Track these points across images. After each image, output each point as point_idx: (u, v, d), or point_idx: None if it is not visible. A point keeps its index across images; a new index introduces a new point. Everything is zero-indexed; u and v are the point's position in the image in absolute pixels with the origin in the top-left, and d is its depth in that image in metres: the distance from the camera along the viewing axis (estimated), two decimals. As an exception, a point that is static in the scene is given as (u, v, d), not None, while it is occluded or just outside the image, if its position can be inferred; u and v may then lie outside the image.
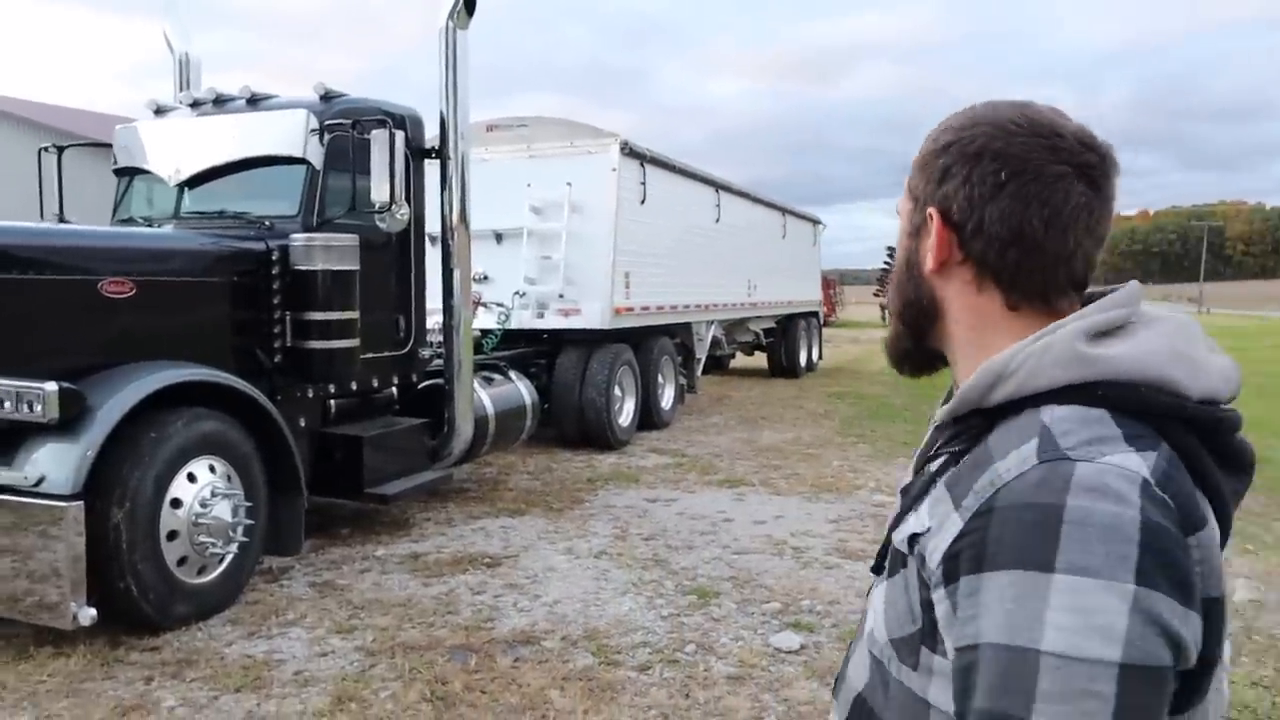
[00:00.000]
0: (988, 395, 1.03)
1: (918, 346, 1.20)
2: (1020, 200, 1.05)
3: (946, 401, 1.26)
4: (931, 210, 1.10)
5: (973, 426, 1.06)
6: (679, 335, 12.53)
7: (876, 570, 1.17)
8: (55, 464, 4.43)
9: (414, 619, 5.03)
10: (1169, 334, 1.03)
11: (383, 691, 4.16)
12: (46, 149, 7.20)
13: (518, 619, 5.06)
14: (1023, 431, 0.98)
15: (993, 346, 1.07)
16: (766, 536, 6.71)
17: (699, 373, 13.46)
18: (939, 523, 1.00)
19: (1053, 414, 0.98)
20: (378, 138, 5.91)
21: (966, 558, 0.94)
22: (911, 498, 1.10)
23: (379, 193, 5.92)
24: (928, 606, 1.01)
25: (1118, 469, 0.91)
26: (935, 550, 0.99)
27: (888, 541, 1.14)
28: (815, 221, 19.57)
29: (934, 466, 1.10)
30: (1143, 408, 0.97)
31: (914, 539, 1.04)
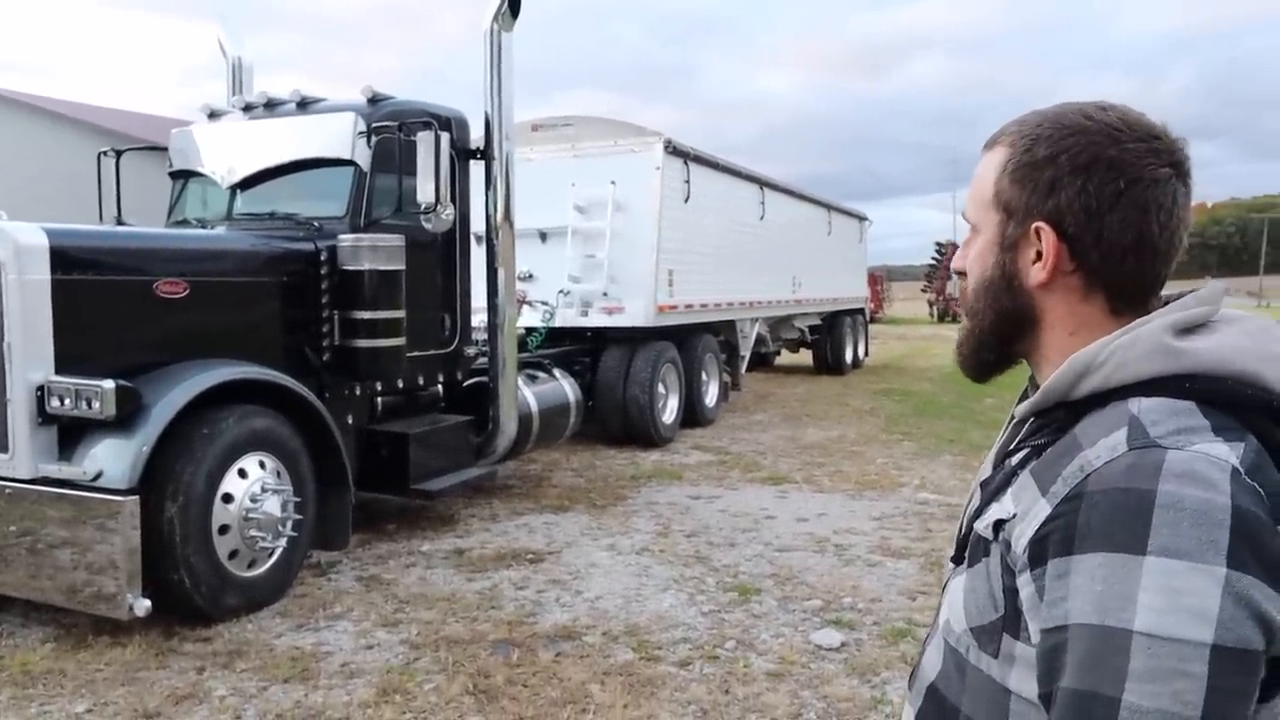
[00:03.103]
0: (1075, 387, 1.06)
1: (1002, 355, 1.21)
2: (1140, 208, 1.06)
3: (1022, 399, 1.30)
4: (1040, 225, 1.10)
5: (1056, 419, 1.09)
6: (723, 333, 12.53)
7: (956, 560, 1.19)
8: (112, 459, 4.57)
9: (458, 613, 5.11)
10: (1253, 332, 1.05)
11: (426, 684, 4.24)
12: (105, 153, 7.41)
13: (560, 614, 5.13)
14: (1110, 421, 1.01)
15: (1070, 349, 1.11)
16: (809, 534, 6.71)
17: (743, 370, 13.45)
18: (1025, 509, 1.03)
19: (1140, 405, 1.01)
20: (423, 139, 6.00)
21: (1055, 541, 0.97)
22: (993, 489, 1.13)
23: (425, 193, 6.01)
24: (1011, 593, 1.03)
25: (1208, 457, 0.94)
26: (1021, 536, 1.01)
27: (968, 532, 1.16)
28: (861, 218, 19.45)
29: (1015, 460, 1.13)
30: (1230, 401, 1.00)
31: (999, 525, 1.07)
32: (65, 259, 4.80)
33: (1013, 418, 1.22)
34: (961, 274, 1.24)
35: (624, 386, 9.99)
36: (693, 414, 11.21)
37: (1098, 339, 1.08)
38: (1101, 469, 0.96)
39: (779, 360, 18.26)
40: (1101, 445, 0.99)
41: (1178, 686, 0.87)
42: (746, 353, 13.47)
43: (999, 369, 1.23)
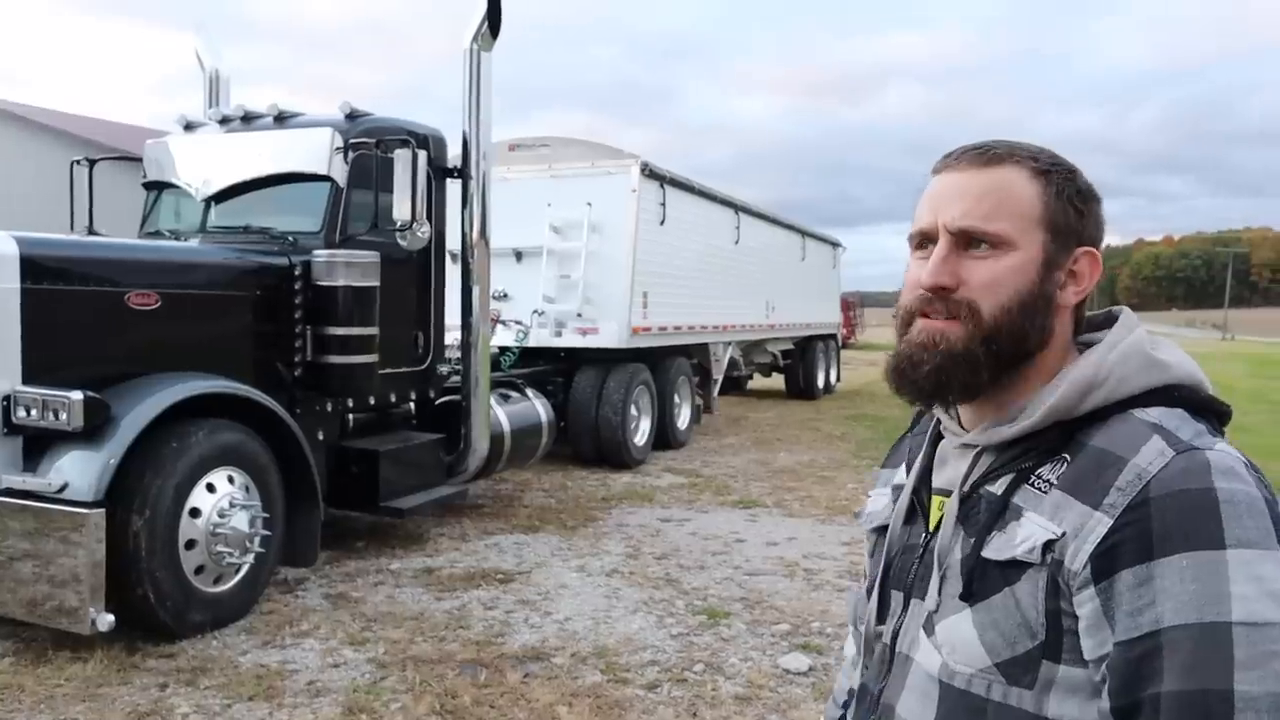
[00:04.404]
0: (1078, 405, 1.10)
1: (995, 378, 1.15)
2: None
3: (911, 433, 1.36)
4: (1088, 249, 1.16)
5: (1046, 440, 1.11)
6: (696, 355, 12.57)
7: (965, 598, 1.12)
8: (78, 471, 4.51)
9: (426, 632, 5.08)
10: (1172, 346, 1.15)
11: (393, 703, 4.21)
12: (79, 162, 7.34)
13: (528, 635, 5.11)
14: (1135, 431, 1.06)
15: (1054, 371, 1.15)
16: (779, 558, 6.73)
17: (716, 393, 13.49)
18: (1075, 526, 1.02)
19: (1148, 414, 1.07)
20: (400, 157, 6.00)
21: (1128, 550, 0.98)
22: (986, 520, 1.12)
23: (401, 211, 6.02)
24: (1054, 615, 1.03)
25: (1229, 454, 1.02)
26: (1078, 553, 1.01)
27: (975, 565, 1.11)
28: (835, 244, 19.60)
29: (996, 487, 1.13)
30: (1200, 406, 1.10)
31: (1048, 546, 1.04)
32: (35, 268, 4.75)
33: (974, 446, 1.19)
34: (943, 290, 1.15)
35: (597, 407, 9.99)
36: (665, 436, 11.23)
37: (1072, 359, 1.16)
38: (1160, 474, 1.00)
39: (751, 384, 18.32)
40: (1146, 452, 1.02)
41: (1277, 667, 0.91)
42: (719, 376, 13.52)
43: (979, 393, 1.17)
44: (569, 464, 10.19)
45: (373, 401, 6.63)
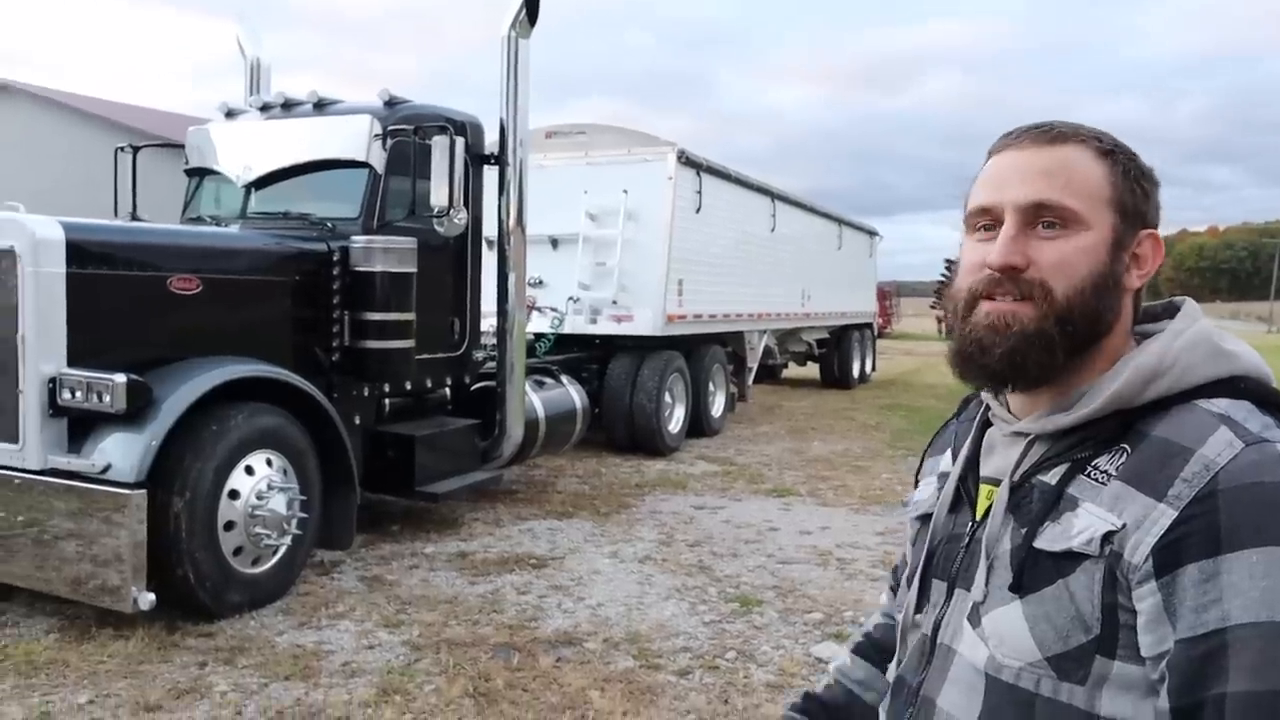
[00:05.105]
0: (1141, 393, 1.07)
1: (1069, 358, 1.11)
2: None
3: (957, 419, 1.31)
4: (1152, 232, 1.15)
5: (1105, 430, 1.08)
6: (731, 344, 12.54)
7: (1015, 589, 1.08)
8: (121, 453, 4.59)
9: (459, 616, 5.12)
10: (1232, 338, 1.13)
11: (427, 685, 4.26)
12: (123, 149, 7.45)
13: (561, 620, 5.14)
14: (1201, 421, 1.02)
15: (1115, 358, 1.12)
16: (812, 547, 6.72)
17: (750, 381, 13.45)
18: (1137, 518, 0.99)
19: (1214, 405, 1.03)
20: (438, 143, 6.03)
21: (1194, 544, 0.94)
22: (1039, 510, 1.09)
23: (438, 197, 6.05)
24: (1110, 609, 1.00)
25: None
26: (1139, 545, 0.98)
27: (1027, 557, 1.08)
28: (872, 233, 19.46)
29: (1049, 476, 1.10)
30: (1266, 399, 1.05)
31: (1107, 538, 1.01)
32: (81, 253, 4.83)
33: (1026, 435, 1.16)
34: (1013, 270, 1.11)
35: (631, 395, 10.01)
36: (699, 424, 11.22)
37: (1134, 346, 1.13)
38: (1229, 466, 0.96)
39: (786, 373, 18.27)
40: (1214, 443, 0.98)
41: None
42: (754, 364, 13.48)
43: (1055, 375, 1.13)
44: (603, 451, 10.21)
45: (409, 387, 6.69)
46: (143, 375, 4.73)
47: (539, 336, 9.62)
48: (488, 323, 7.35)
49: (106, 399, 4.59)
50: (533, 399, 7.78)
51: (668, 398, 10.34)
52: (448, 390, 7.25)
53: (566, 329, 9.97)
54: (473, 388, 7.45)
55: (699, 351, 11.31)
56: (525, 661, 4.54)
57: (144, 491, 4.49)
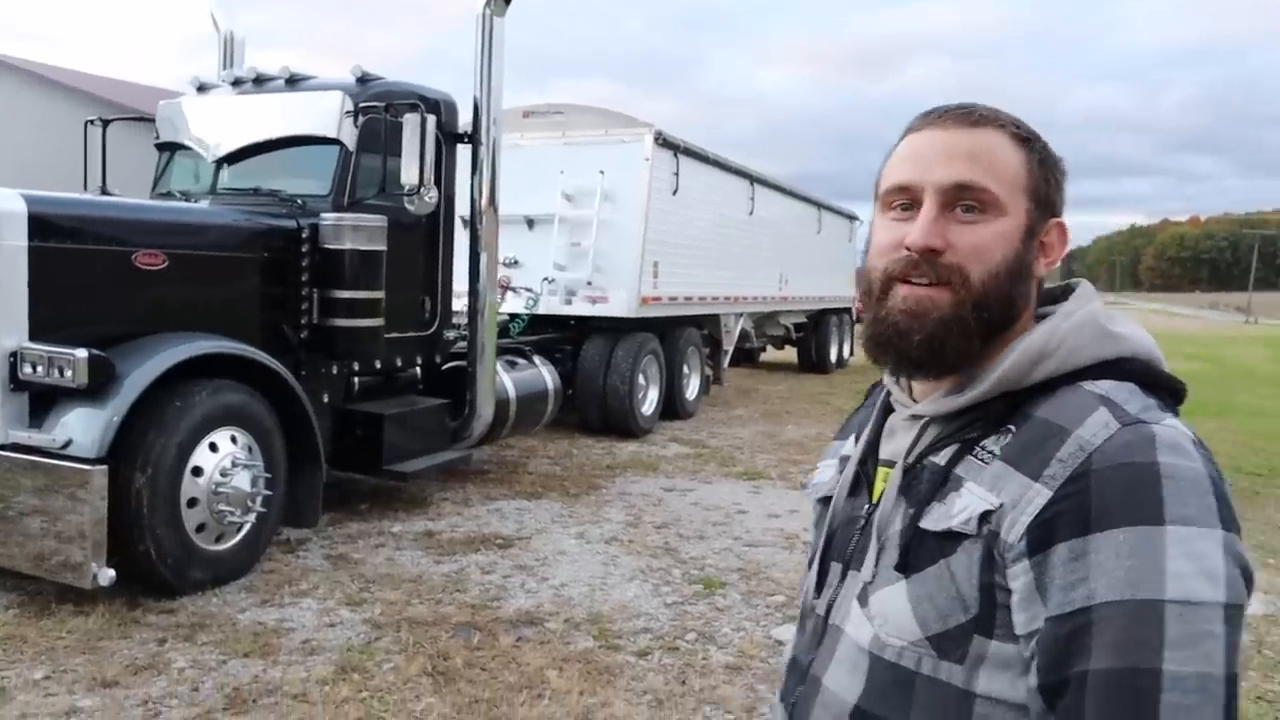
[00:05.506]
0: (1028, 374, 1.08)
1: (983, 344, 1.12)
2: None
3: (862, 407, 1.33)
4: (1061, 221, 1.16)
5: (992, 411, 1.09)
6: (707, 326, 12.56)
7: (900, 569, 1.10)
8: (82, 428, 4.58)
9: (422, 595, 5.14)
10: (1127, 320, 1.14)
11: (385, 664, 4.28)
12: (92, 121, 7.38)
13: (524, 599, 5.16)
14: (1081, 402, 1.03)
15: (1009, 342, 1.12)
16: (779, 530, 6.76)
17: (726, 364, 13.48)
18: (1014, 497, 1.00)
19: (1097, 387, 1.04)
20: (409, 121, 6.00)
21: (1065, 523, 0.95)
22: (930, 489, 1.10)
23: (408, 175, 6.02)
24: (988, 589, 1.01)
25: (1177, 430, 1.00)
26: (1014, 524, 0.99)
27: (913, 537, 1.09)
28: (852, 217, 19.48)
29: (939, 457, 1.11)
30: (1152, 381, 1.07)
31: (985, 517, 1.02)
32: (43, 226, 4.80)
33: (922, 418, 1.16)
34: (932, 252, 1.10)
35: (604, 376, 10.02)
36: (673, 406, 11.25)
37: (1029, 329, 1.13)
38: (1103, 446, 0.97)
39: (763, 357, 18.30)
40: (1091, 424, 0.99)
41: (1207, 647, 0.90)
42: (730, 347, 13.50)
43: (972, 362, 1.13)
44: (575, 432, 10.23)
45: (378, 365, 6.68)
46: (106, 351, 4.71)
47: (513, 317, 9.62)
48: (459, 302, 7.34)
49: (68, 374, 4.57)
50: (504, 379, 7.78)
51: (641, 379, 10.36)
52: (418, 369, 7.24)
53: (541, 309, 9.96)
54: (443, 367, 7.44)
55: (674, 334, 11.32)
56: (485, 641, 4.57)
57: (105, 467, 4.48)
